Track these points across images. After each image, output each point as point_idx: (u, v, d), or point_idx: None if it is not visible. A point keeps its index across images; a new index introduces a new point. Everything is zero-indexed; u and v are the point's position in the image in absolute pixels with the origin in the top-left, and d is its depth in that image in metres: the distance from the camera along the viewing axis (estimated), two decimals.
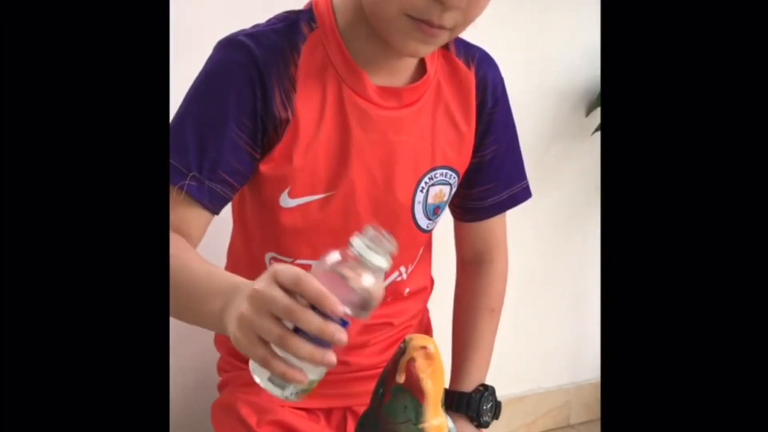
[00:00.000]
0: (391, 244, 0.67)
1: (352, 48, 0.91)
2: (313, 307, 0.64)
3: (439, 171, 0.98)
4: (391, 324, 1.05)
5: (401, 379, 0.72)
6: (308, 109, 0.90)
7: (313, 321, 0.64)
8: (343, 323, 0.65)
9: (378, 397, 0.74)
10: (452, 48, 0.99)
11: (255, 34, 0.90)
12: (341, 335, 0.64)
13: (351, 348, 1.00)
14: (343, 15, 0.92)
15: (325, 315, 0.64)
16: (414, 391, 0.72)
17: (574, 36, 1.62)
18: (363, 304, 0.66)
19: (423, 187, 0.97)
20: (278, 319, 0.65)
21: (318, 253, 0.84)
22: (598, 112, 1.66)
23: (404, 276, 1.03)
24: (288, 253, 0.95)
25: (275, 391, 0.68)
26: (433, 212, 1.00)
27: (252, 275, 0.80)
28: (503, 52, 1.55)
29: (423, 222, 1.00)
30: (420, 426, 0.72)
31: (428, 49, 0.89)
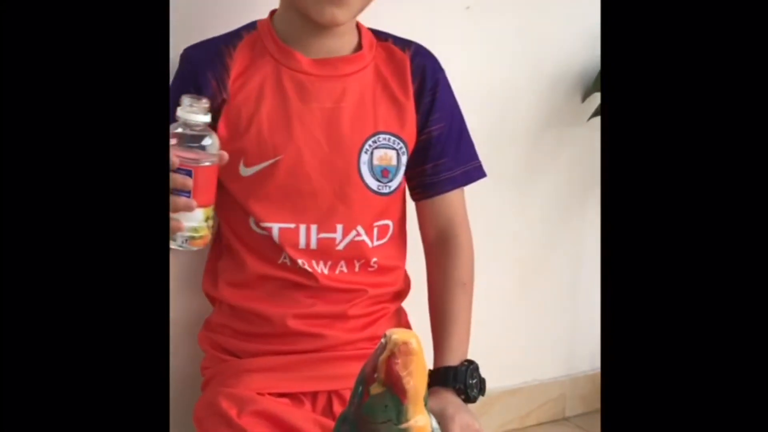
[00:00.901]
0: (203, 102, 0.88)
1: (285, 36, 1.07)
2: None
3: (382, 136, 1.09)
4: (365, 291, 1.09)
5: (381, 377, 0.68)
6: (246, 90, 1.05)
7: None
8: (187, 172, 0.85)
9: (357, 395, 0.70)
10: (390, 40, 1.14)
11: (201, 42, 1.09)
12: (185, 181, 0.85)
13: (327, 318, 1.07)
14: (279, 17, 1.09)
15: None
16: (395, 390, 0.68)
17: (570, 18, 1.59)
18: (198, 151, 0.86)
19: (367, 149, 1.08)
20: None
21: (280, 217, 1.06)
22: (594, 97, 1.63)
23: (365, 238, 1.09)
24: (259, 218, 1.06)
25: (172, 245, 0.87)
26: (382, 174, 1.09)
27: (242, 244, 1.08)
28: (496, 34, 1.54)
29: (372, 183, 1.08)
30: (401, 426, 0.68)
31: (344, 13, 1.02)
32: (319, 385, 1.05)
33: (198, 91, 1.03)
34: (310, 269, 1.06)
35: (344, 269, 1.08)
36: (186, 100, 0.87)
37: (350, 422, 0.71)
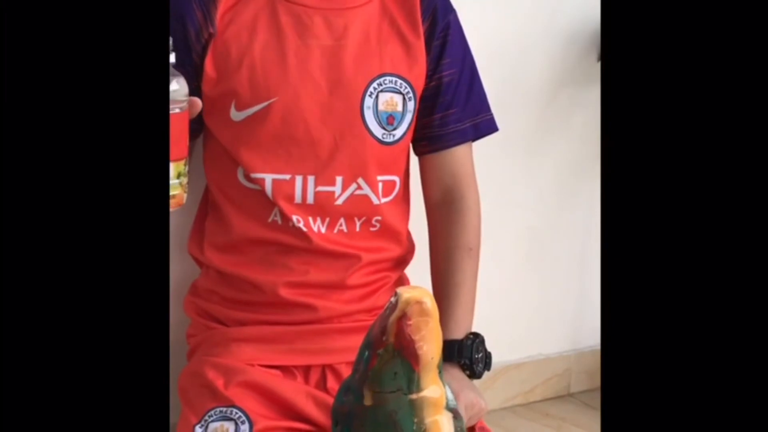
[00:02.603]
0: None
1: None
2: None
3: (388, 78, 0.99)
4: (358, 257, 1.00)
5: (390, 340, 0.60)
6: (237, 25, 0.96)
7: None
8: None
9: (363, 361, 0.62)
10: None
11: None
12: None
13: (322, 287, 0.98)
14: None
15: None
16: (406, 355, 0.60)
17: None
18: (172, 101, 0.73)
19: (372, 92, 0.98)
20: None
21: (274, 167, 0.96)
22: None
23: (369, 192, 1.00)
24: (250, 169, 0.97)
25: None
26: (387, 121, 0.99)
27: (229, 200, 1.00)
28: None
29: (377, 131, 0.99)
30: (413, 396, 0.60)
31: None
32: (313, 358, 0.98)
33: (183, 25, 0.94)
34: (305, 228, 0.97)
35: (344, 228, 0.99)
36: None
37: (354, 391, 0.62)
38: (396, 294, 0.61)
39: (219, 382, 0.92)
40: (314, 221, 0.98)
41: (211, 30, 0.95)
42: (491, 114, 1.09)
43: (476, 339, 1.00)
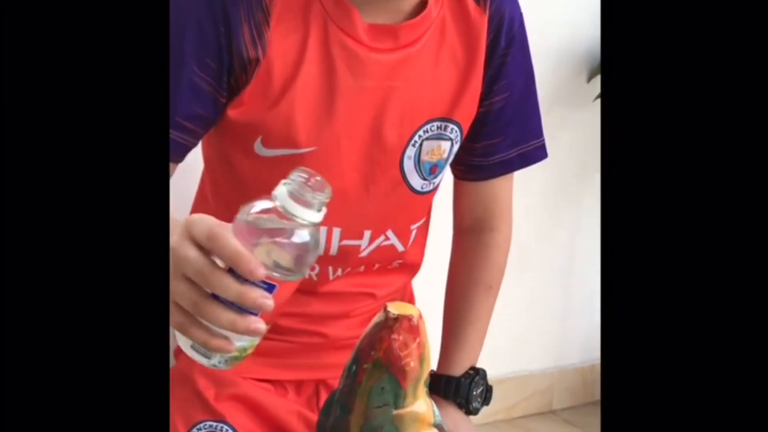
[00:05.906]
0: (324, 193, 0.58)
1: None
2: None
3: (437, 123, 0.87)
4: (372, 295, 0.95)
5: (378, 355, 0.60)
6: (285, 48, 0.80)
7: (229, 287, 0.56)
8: (269, 287, 0.57)
9: (350, 375, 0.63)
10: None
11: None
12: (265, 301, 0.56)
13: (328, 318, 0.93)
14: None
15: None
16: (393, 370, 0.60)
17: None
18: (296, 260, 0.57)
19: (416, 141, 0.86)
20: (194, 282, 0.57)
21: None
22: (600, 77, 1.56)
23: (394, 242, 0.92)
24: None
25: (201, 359, 0.60)
26: (429, 171, 0.89)
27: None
28: None
29: (416, 182, 0.89)
30: (399, 412, 0.61)
31: None
32: (306, 373, 0.94)
33: (229, 41, 0.77)
34: (315, 278, 0.90)
35: (360, 269, 0.92)
36: (297, 181, 0.57)
37: (341, 405, 0.63)
38: (384, 309, 0.62)
39: (209, 393, 0.89)
40: (334, 271, 0.90)
41: (261, 54, 0.79)
42: (542, 139, 0.97)
43: (476, 375, 0.95)
